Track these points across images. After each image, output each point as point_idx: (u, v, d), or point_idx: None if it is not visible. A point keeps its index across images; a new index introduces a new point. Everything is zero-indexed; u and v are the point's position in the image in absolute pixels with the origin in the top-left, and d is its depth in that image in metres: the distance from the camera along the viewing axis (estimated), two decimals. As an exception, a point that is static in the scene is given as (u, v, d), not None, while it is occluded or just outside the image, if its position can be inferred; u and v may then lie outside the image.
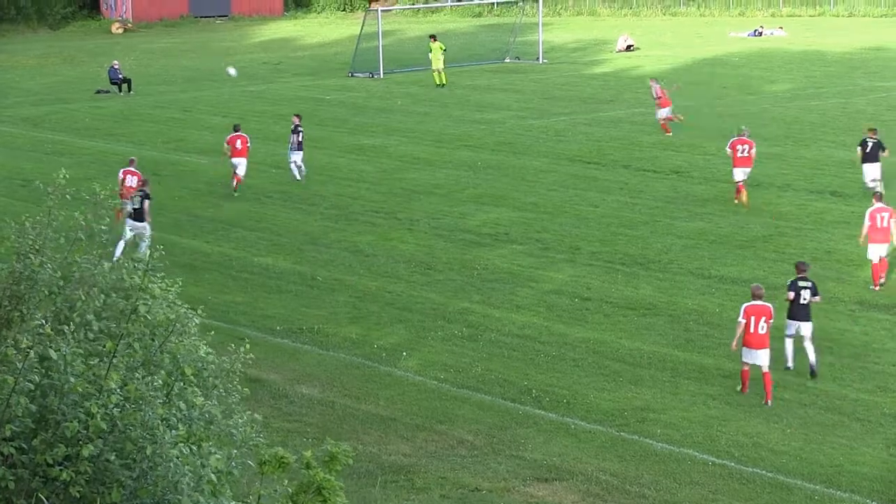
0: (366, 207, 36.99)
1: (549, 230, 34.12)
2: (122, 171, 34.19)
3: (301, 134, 40.06)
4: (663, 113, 46.03)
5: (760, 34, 77.50)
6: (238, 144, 38.66)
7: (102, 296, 12.92)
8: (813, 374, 23.98)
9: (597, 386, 23.72)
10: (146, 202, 31.47)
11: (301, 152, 40.09)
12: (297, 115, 40.88)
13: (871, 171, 35.55)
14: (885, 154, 35.62)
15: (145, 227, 31.58)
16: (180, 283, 13.05)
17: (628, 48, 71.24)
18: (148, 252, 29.89)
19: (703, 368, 24.37)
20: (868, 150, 35.66)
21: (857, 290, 28.70)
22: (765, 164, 39.64)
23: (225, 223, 35.53)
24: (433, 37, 62.33)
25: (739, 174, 35.83)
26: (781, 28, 79.39)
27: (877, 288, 28.77)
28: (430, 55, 60.77)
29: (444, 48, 60.67)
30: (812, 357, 24.04)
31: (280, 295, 29.38)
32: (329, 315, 27.81)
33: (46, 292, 12.90)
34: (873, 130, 36.51)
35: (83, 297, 12.82)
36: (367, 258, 32.01)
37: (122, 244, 30.83)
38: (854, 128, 44.48)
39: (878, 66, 63.39)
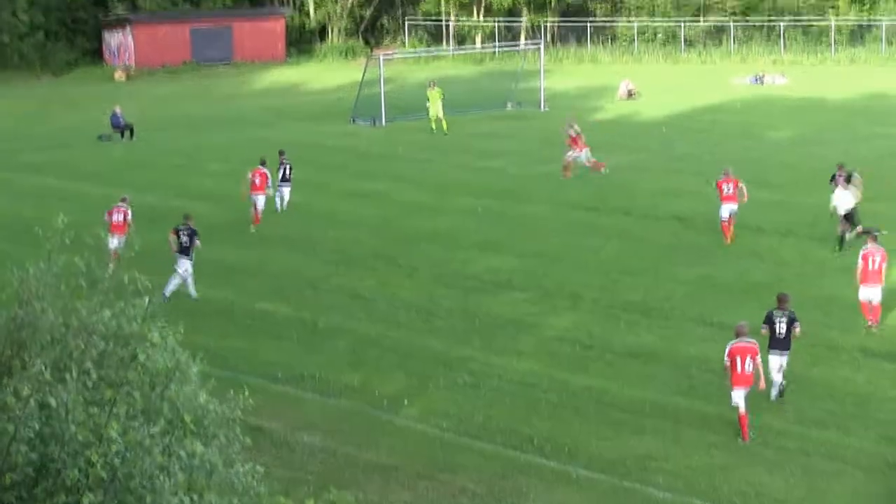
0: (367, 253, 37.00)
1: (550, 277, 34.10)
2: (111, 208, 35.48)
3: (285, 168, 41.86)
4: (581, 156, 47.05)
5: (762, 81, 77.72)
6: (257, 180, 40.33)
7: (102, 343, 12.88)
8: (772, 397, 24.61)
9: (599, 434, 23.65)
10: (195, 240, 32.54)
11: (289, 185, 42.15)
12: (281, 151, 43.02)
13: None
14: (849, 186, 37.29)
15: (188, 264, 32.56)
16: (181, 331, 13.01)
17: (630, 94, 71.44)
18: (169, 289, 31.68)
19: (705, 416, 24.29)
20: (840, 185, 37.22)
21: (860, 337, 28.63)
22: (766, 211, 39.66)
23: (226, 268, 35.51)
24: (432, 83, 62.43)
25: (726, 211, 37.11)
26: (783, 75, 79.62)
27: (870, 323, 28.92)
28: (429, 103, 60.85)
29: (442, 94, 60.78)
30: (776, 387, 24.71)
31: (281, 341, 29.33)
32: (330, 361, 27.76)
33: (49, 338, 12.88)
34: (841, 166, 38.37)
35: (83, 346, 12.79)
36: (367, 304, 31.98)
37: (178, 280, 32.29)
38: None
39: (880, 113, 63.54)
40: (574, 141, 47.26)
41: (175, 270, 32.40)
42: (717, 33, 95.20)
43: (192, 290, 32.62)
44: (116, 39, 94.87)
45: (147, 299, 13.19)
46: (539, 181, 47.07)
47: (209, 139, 59.92)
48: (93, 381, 12.46)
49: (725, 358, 23.44)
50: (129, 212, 35.34)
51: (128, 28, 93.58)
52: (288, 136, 59.03)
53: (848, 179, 37.50)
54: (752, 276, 33.41)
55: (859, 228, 35.47)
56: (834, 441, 23.22)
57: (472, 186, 46.49)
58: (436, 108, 60.28)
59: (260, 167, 41.07)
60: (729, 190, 37.09)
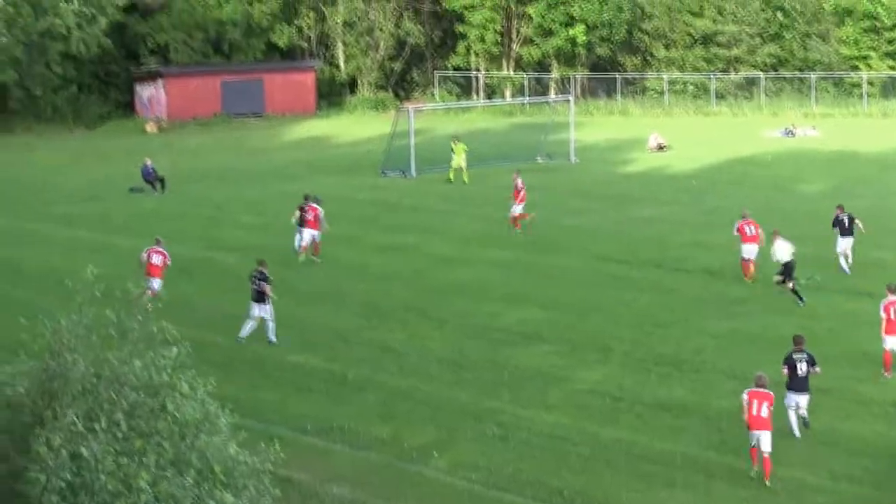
0: (397, 305, 37.05)
1: (579, 329, 34.08)
2: (147, 249, 37.11)
3: (301, 213, 43.08)
4: (517, 209, 47.74)
5: (793, 134, 77.67)
6: (309, 215, 42.64)
7: (133, 394, 12.96)
8: (806, 424, 25.78)
9: (630, 487, 23.58)
10: (265, 284, 33.27)
11: (307, 230, 43.11)
12: (306, 196, 44.29)
13: (845, 244, 39.83)
14: (859, 224, 39.99)
15: (266, 310, 33.27)
16: (213, 383, 13.08)
17: (660, 147, 71.47)
18: (272, 334, 32.70)
19: (736, 471, 24.20)
20: (846, 226, 39.78)
21: (893, 391, 28.49)
22: (797, 264, 39.57)
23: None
24: (455, 138, 63.01)
25: (748, 252, 38.91)
26: (814, 128, 79.57)
27: (888, 375, 29.01)
28: (453, 155, 61.44)
29: (466, 149, 61.49)
30: (796, 425, 25.80)
31: (311, 393, 29.38)
32: (360, 413, 27.78)
33: (80, 389, 12.96)
34: (841, 207, 40.65)
35: (114, 396, 12.88)
36: (397, 356, 32.02)
37: (250, 324, 33.29)
38: (889, 228, 44.54)
39: (912, 167, 63.41)
40: (518, 194, 48.05)
41: (248, 315, 33.37)
42: (749, 86, 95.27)
43: (271, 334, 33.37)
44: (148, 92, 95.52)
45: (176, 349, 13.28)
46: (568, 233, 47.11)
47: (240, 191, 60.18)
48: (122, 432, 12.53)
49: (744, 396, 24.18)
50: (167, 253, 37.00)
51: (159, 81, 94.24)
52: (319, 188, 59.11)
53: (850, 222, 39.68)
54: (782, 330, 33.25)
55: (780, 279, 36.67)
56: (868, 497, 23.09)
57: (500, 238, 46.55)
58: (459, 159, 60.93)
59: (310, 203, 43.00)
60: (751, 231, 38.89)
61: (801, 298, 36.10)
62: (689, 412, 27.46)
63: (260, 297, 33.26)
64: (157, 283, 36.28)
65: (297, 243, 43.42)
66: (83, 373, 13.31)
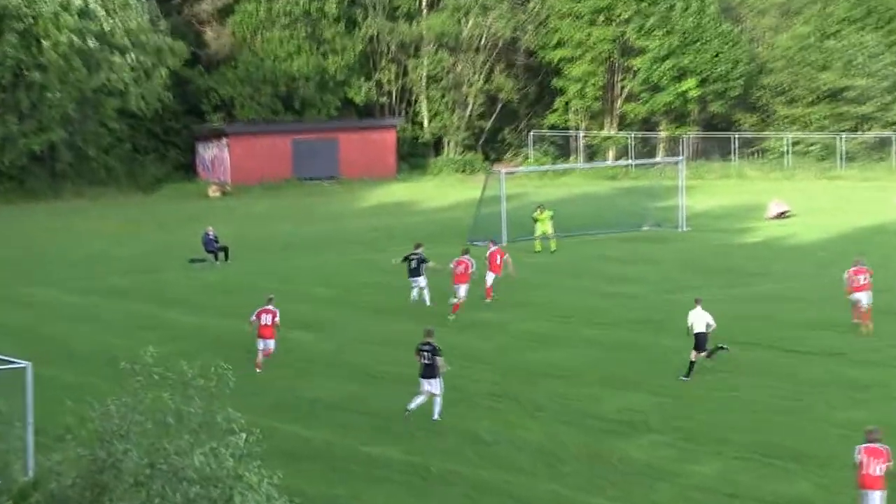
0: (484, 390, 37.01)
1: (692, 418, 33.85)
2: (257, 310, 39.22)
3: (413, 261, 47.40)
4: (490, 278, 49.68)
5: (930, 198, 77.17)
6: (460, 269, 46.51)
7: (193, 488, 13.03)
8: None
9: None
10: (438, 358, 33.97)
11: (421, 277, 47.34)
12: (418, 244, 48.67)
13: (865, 298, 43.03)
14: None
15: (436, 384, 33.99)
16: (280, 475, 13.14)
17: (781, 215, 71.10)
18: (438, 412, 33.45)
19: (867, 578, 23.93)
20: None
21: None
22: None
23: (328, 405, 35.71)
24: (541, 207, 63.15)
25: (862, 298, 42.75)
26: (954, 193, 79.00)
27: None
28: (538, 224, 61.81)
29: (552, 216, 61.88)
30: None
31: (388, 485, 29.28)
32: (443, 510, 27.74)
33: (132, 482, 13.06)
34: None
35: (168, 491, 12.97)
36: (485, 447, 31.93)
37: (420, 398, 33.97)
38: None
39: None
40: (493, 264, 49.80)
41: (419, 391, 34.09)
42: (881, 147, 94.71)
43: (437, 410, 33.88)
44: (211, 153, 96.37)
45: (245, 435, 13.37)
46: (679, 310, 46.77)
47: (310, 261, 60.56)
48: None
49: (857, 455, 25.22)
50: (277, 311, 38.98)
51: (223, 140, 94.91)
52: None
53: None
54: (917, 419, 32.95)
55: (706, 353, 37.67)
56: None
57: (601, 315, 46.47)
58: (545, 227, 61.54)
59: (463, 256, 46.96)
60: (861, 280, 42.88)
61: (689, 372, 37.20)
62: (814, 512, 27.21)
63: (429, 372, 33.79)
64: (271, 344, 38.80)
65: (414, 295, 47.20)
66: (136, 464, 13.41)
